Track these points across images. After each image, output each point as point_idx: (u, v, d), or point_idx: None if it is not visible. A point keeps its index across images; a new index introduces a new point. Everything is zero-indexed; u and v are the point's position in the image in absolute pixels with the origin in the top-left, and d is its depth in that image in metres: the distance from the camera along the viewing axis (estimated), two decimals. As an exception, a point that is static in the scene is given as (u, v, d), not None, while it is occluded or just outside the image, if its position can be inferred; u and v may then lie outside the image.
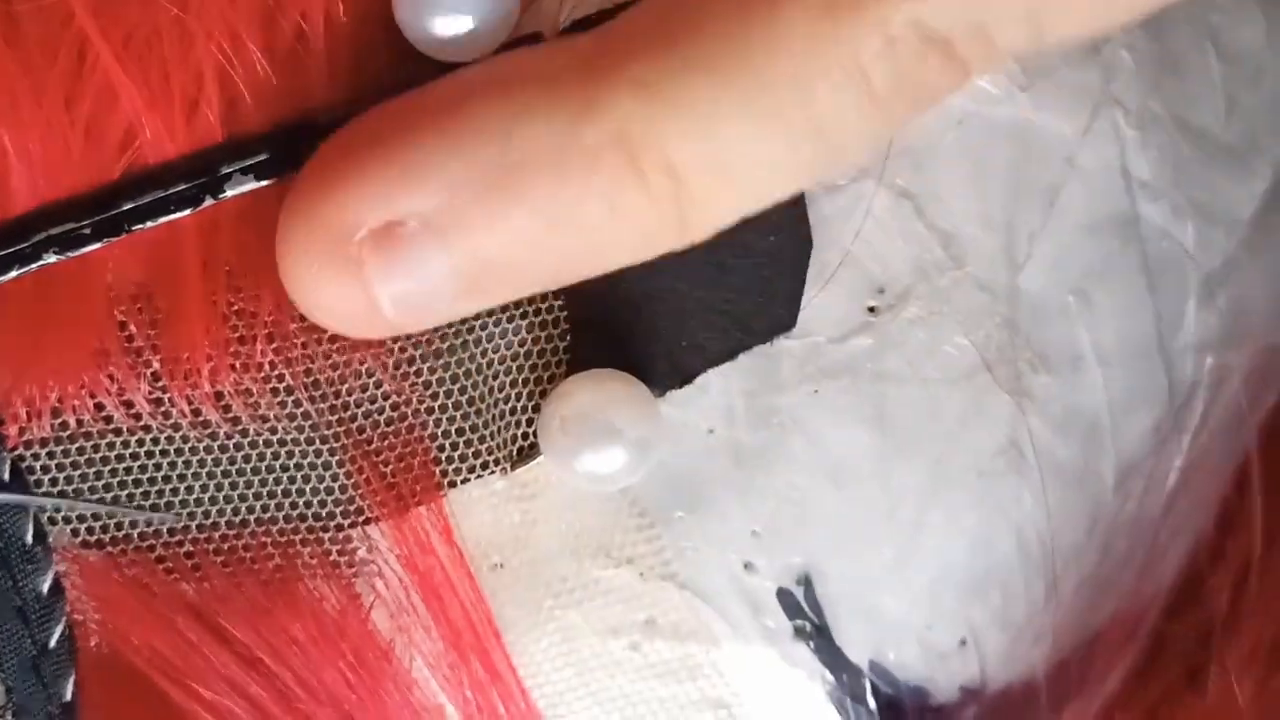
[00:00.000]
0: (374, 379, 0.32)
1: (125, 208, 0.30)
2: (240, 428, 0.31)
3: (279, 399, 0.31)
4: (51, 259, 0.30)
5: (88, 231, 0.30)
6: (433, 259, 0.28)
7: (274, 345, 0.31)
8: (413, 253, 0.28)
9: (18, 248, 0.30)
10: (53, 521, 0.31)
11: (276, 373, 0.31)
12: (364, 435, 0.32)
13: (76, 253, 0.30)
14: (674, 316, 0.32)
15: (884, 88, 0.27)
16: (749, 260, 0.32)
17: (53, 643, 0.31)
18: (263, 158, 0.30)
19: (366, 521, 0.32)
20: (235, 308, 0.31)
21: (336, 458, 0.32)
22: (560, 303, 0.32)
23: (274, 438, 0.32)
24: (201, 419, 0.31)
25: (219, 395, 0.31)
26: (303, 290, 0.29)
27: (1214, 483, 0.38)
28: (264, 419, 0.31)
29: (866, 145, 0.29)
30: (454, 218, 0.27)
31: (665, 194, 0.27)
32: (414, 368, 0.32)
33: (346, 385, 0.32)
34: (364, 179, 0.28)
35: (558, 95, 0.27)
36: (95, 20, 0.29)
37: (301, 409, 0.32)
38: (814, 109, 0.27)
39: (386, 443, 0.32)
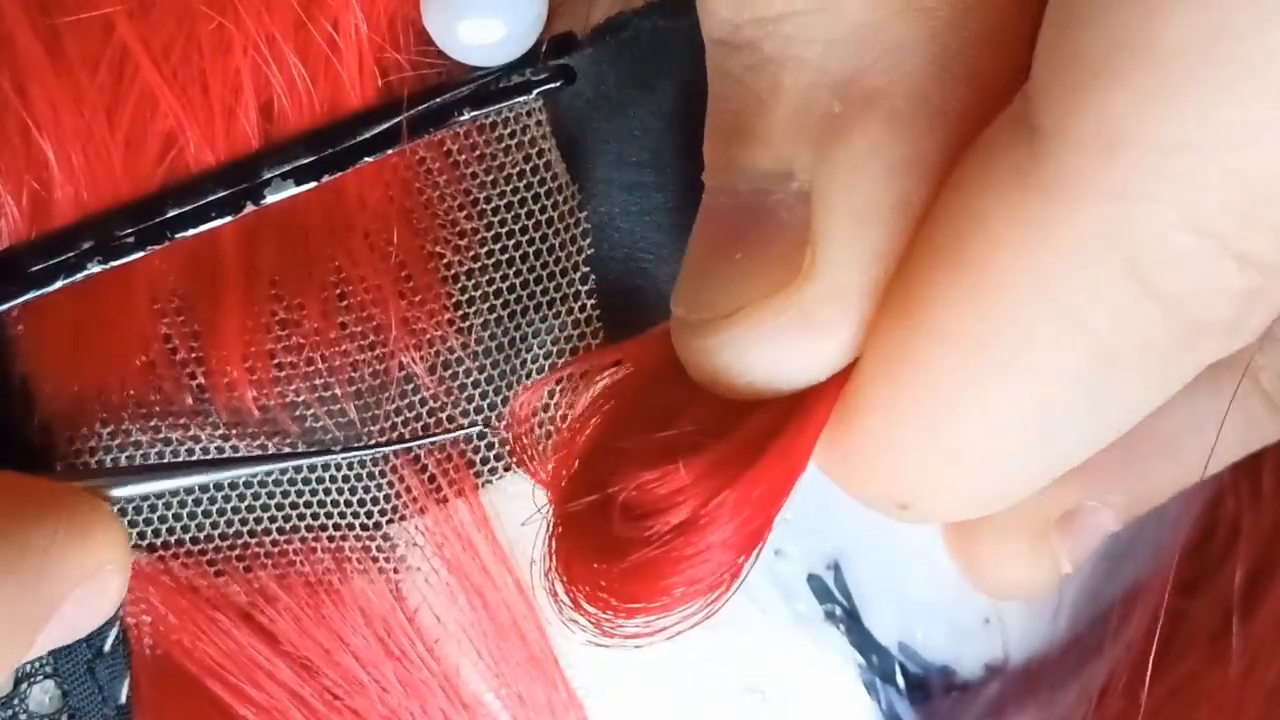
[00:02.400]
0: (412, 386, 0.32)
1: (167, 215, 0.30)
2: (289, 440, 0.32)
3: (325, 409, 0.32)
4: (96, 268, 0.30)
5: (131, 240, 0.30)
6: (1106, 520, 0.32)
7: (319, 354, 0.32)
8: (1090, 522, 0.32)
9: (62, 258, 0.30)
10: (105, 528, 0.32)
11: (322, 382, 0.32)
12: (403, 443, 0.32)
13: (120, 261, 0.30)
14: None
15: None
16: None
17: (108, 646, 0.32)
18: (300, 162, 0.31)
19: (403, 519, 0.32)
20: (279, 318, 0.31)
21: (380, 468, 0.32)
22: (593, 301, 0.33)
23: (317, 447, 0.32)
24: (249, 430, 0.32)
25: (265, 409, 0.32)
26: (994, 570, 0.33)
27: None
28: (310, 432, 0.32)
29: None
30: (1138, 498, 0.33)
31: None
32: (449, 371, 0.32)
33: (386, 395, 0.32)
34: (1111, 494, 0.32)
35: None
36: (135, 31, 0.30)
37: (346, 419, 0.32)
38: None
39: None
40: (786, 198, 0.26)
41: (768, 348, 0.26)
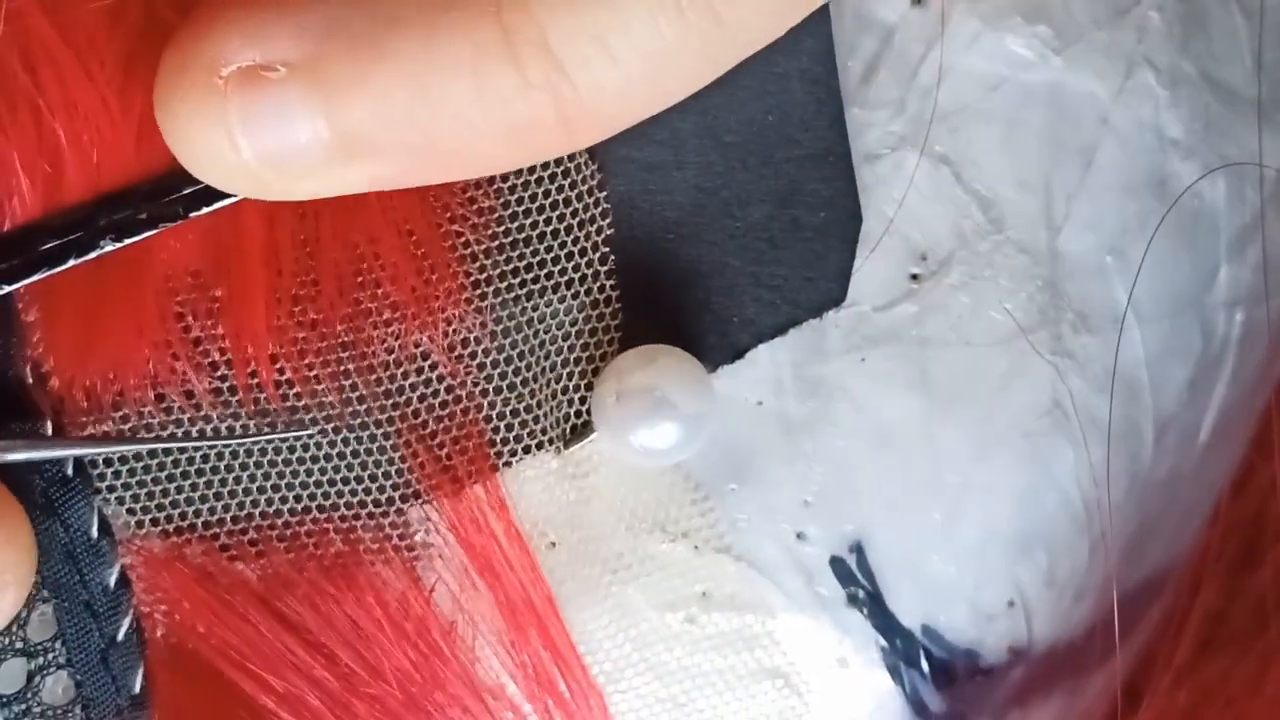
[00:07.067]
0: (429, 363, 0.32)
1: (182, 192, 0.30)
2: (297, 417, 0.31)
3: (337, 385, 0.31)
4: (109, 246, 0.30)
5: (144, 217, 0.30)
6: (296, 110, 0.26)
7: (334, 331, 0.31)
8: (276, 99, 0.26)
9: (74, 236, 0.30)
10: (117, 514, 0.31)
11: (335, 358, 0.31)
12: (419, 420, 0.32)
13: (133, 239, 0.30)
14: (725, 293, 0.33)
15: None
16: (799, 235, 0.33)
17: (121, 635, 0.31)
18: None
19: (423, 502, 0.32)
20: (293, 294, 0.31)
21: (391, 442, 0.32)
22: (612, 281, 0.32)
23: (331, 424, 0.32)
24: (260, 408, 0.31)
25: (278, 384, 0.31)
26: (173, 130, 0.27)
27: (1240, 437, 0.38)
28: (321, 406, 0.31)
29: (769, 28, 0.27)
30: (319, 68, 0.26)
31: (540, 80, 0.26)
32: (468, 350, 0.32)
33: (402, 370, 0.32)
34: (236, 17, 0.26)
35: None
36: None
37: (358, 395, 0.32)
38: None
39: (441, 425, 0.32)
40: None
41: None
